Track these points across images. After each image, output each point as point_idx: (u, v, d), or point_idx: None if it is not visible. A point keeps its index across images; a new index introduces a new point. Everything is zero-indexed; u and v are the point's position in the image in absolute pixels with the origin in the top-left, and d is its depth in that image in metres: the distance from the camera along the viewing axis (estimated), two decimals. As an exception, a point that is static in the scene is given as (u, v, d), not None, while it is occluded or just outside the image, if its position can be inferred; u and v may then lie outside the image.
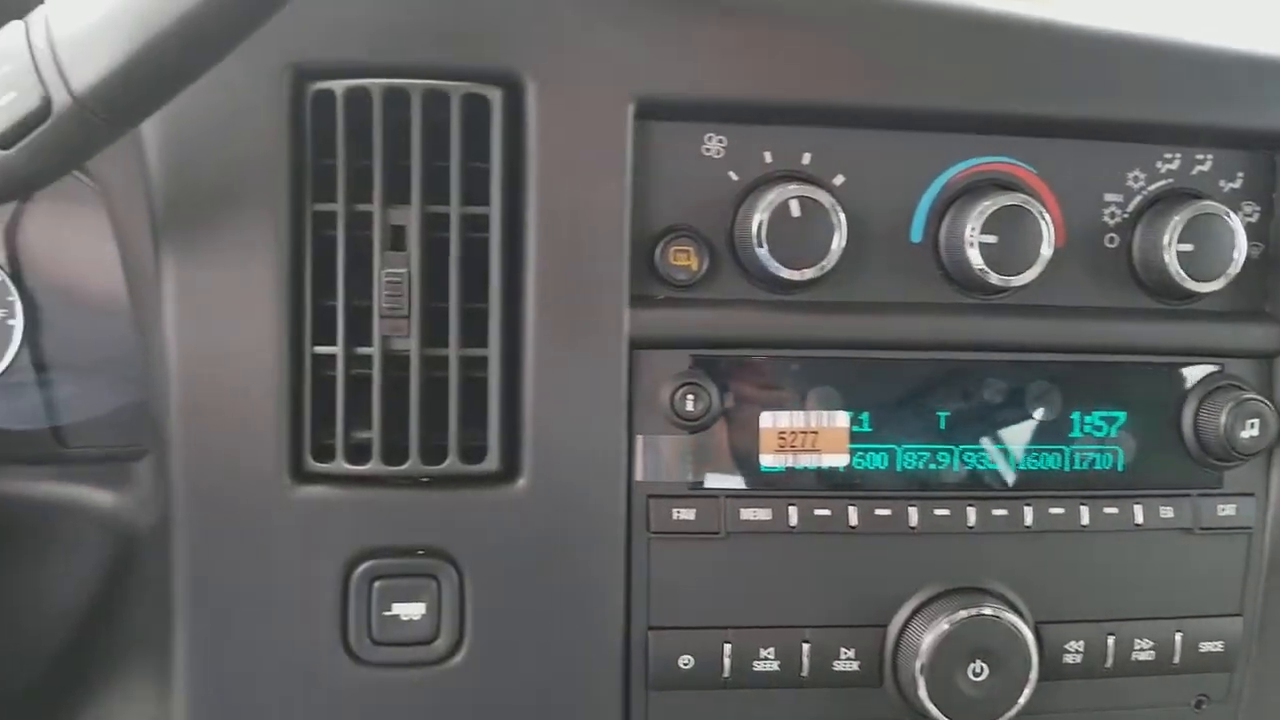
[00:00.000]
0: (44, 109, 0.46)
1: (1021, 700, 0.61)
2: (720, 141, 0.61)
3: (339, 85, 0.56)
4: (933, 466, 0.63)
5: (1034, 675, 0.61)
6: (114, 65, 0.45)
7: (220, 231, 0.57)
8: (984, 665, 0.60)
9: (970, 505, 0.62)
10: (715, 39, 0.59)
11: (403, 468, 0.57)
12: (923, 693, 0.60)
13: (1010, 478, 0.63)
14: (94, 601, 0.65)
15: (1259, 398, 0.63)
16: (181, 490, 0.57)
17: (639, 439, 0.60)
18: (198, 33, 0.45)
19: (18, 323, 0.72)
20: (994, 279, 0.60)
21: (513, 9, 0.57)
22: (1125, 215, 0.64)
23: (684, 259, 0.60)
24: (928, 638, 0.60)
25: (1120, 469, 0.64)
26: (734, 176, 0.61)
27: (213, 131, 0.56)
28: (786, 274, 0.59)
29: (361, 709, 0.59)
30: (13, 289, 0.71)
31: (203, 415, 0.57)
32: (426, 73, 0.57)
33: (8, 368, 0.72)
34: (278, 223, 0.57)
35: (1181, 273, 0.61)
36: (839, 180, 0.61)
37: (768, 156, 0.61)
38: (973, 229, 0.60)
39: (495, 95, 0.57)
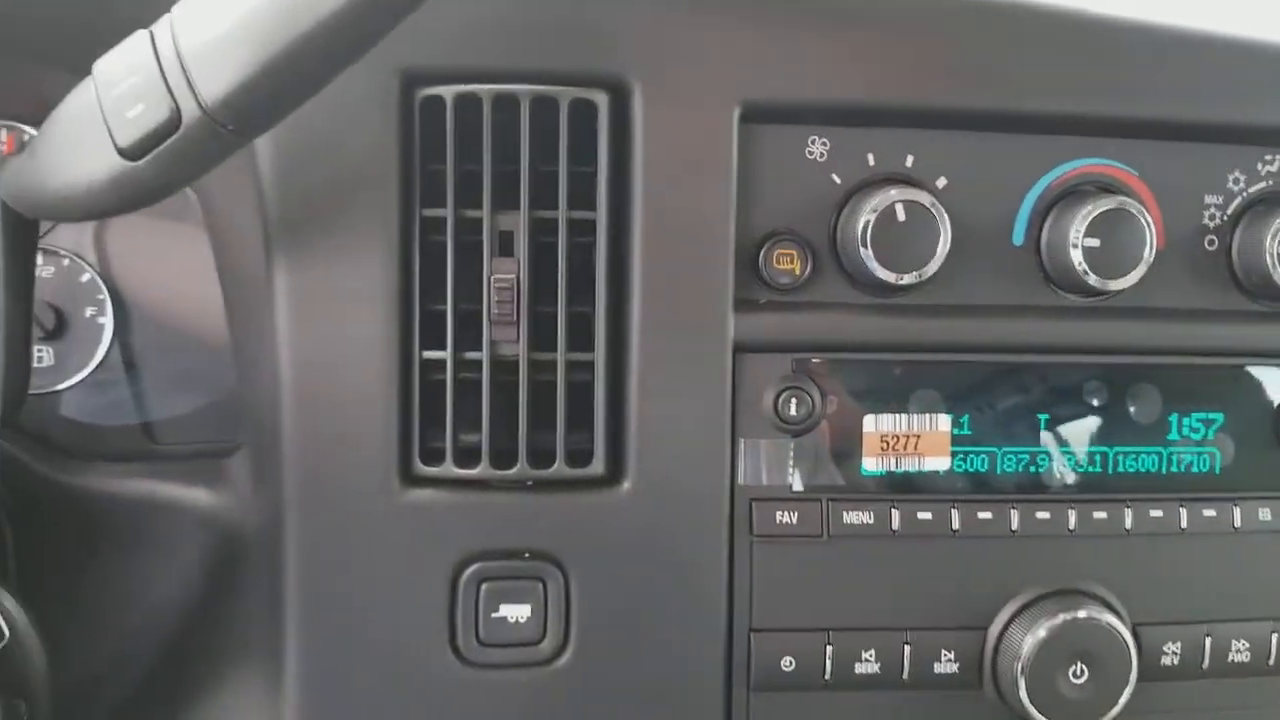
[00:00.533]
0: (174, 121, 0.46)
1: (1121, 702, 0.61)
2: (824, 144, 0.61)
3: (448, 91, 0.56)
4: (1032, 469, 0.63)
5: (1133, 677, 0.61)
6: (244, 77, 0.45)
7: (331, 237, 0.57)
8: (1084, 667, 0.61)
9: (1071, 508, 0.62)
10: (819, 42, 0.59)
11: (511, 472, 0.58)
12: (1023, 694, 0.60)
13: (1108, 480, 0.63)
14: (199, 602, 0.66)
15: (1360, 400, 0.63)
16: (293, 494, 0.58)
17: (741, 442, 0.60)
18: (326, 43, 0.45)
19: (108, 321, 0.73)
20: (1097, 282, 0.60)
21: (620, 14, 0.57)
22: (1225, 217, 0.64)
23: (787, 262, 0.60)
24: (1028, 640, 0.61)
25: (1217, 471, 0.64)
26: (837, 179, 0.61)
27: (323, 138, 0.56)
28: (891, 278, 0.58)
29: (468, 710, 0.59)
30: (103, 288, 0.72)
31: (315, 420, 0.57)
32: (535, 78, 0.57)
33: (99, 365, 0.72)
34: (387, 228, 0.57)
35: (1284, 274, 0.61)
36: (941, 183, 0.61)
37: (871, 159, 0.61)
38: (1077, 232, 0.59)
39: (602, 100, 0.57)
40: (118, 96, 0.46)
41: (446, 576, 0.58)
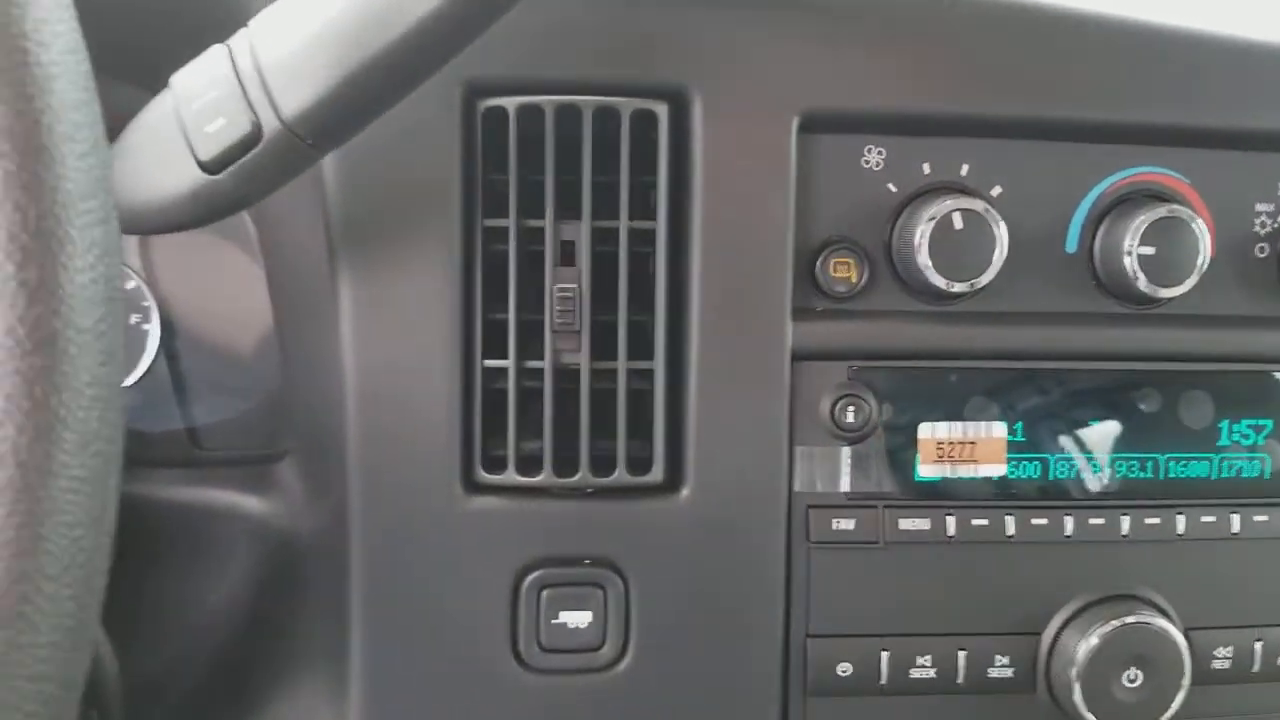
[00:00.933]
0: (254, 135, 0.46)
1: (1175, 706, 0.61)
2: (879, 154, 0.61)
3: (511, 102, 0.57)
4: (1085, 475, 0.63)
5: (1187, 681, 0.61)
6: (323, 91, 0.46)
7: (395, 247, 0.57)
8: (1138, 672, 0.61)
9: (1124, 514, 0.63)
10: (877, 52, 0.59)
11: (573, 479, 0.58)
12: (1078, 699, 0.61)
13: (1160, 486, 0.64)
14: (256, 608, 0.66)
15: None
16: (357, 502, 0.58)
17: (798, 449, 0.61)
18: (405, 57, 0.46)
19: (153, 328, 0.73)
20: (1150, 290, 0.60)
21: (680, 26, 0.58)
22: (1276, 224, 0.64)
23: (844, 271, 0.61)
24: (1083, 645, 0.61)
25: (1268, 476, 0.65)
26: (892, 188, 0.61)
27: (388, 150, 0.56)
28: (948, 286, 0.59)
29: (529, 715, 0.60)
30: (149, 295, 0.72)
31: (379, 429, 0.58)
32: (596, 89, 0.57)
33: (145, 373, 0.73)
34: (450, 238, 0.57)
35: (1334, 282, 0.62)
36: (996, 191, 0.62)
37: (926, 168, 0.61)
38: (1131, 240, 0.60)
39: (662, 111, 0.58)
40: (197, 110, 0.46)
41: (508, 583, 0.59)
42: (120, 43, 0.57)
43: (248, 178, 0.47)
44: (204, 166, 0.47)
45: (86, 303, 0.30)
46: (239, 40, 0.47)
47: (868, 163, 0.61)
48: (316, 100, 0.46)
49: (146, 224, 0.50)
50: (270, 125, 0.46)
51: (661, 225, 0.58)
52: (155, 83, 0.50)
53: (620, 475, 0.58)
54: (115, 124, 0.51)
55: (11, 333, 0.29)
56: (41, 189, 0.29)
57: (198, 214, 0.48)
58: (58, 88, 0.30)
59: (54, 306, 0.29)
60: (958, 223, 0.58)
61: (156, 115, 0.48)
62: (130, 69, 0.54)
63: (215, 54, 0.47)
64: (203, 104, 0.46)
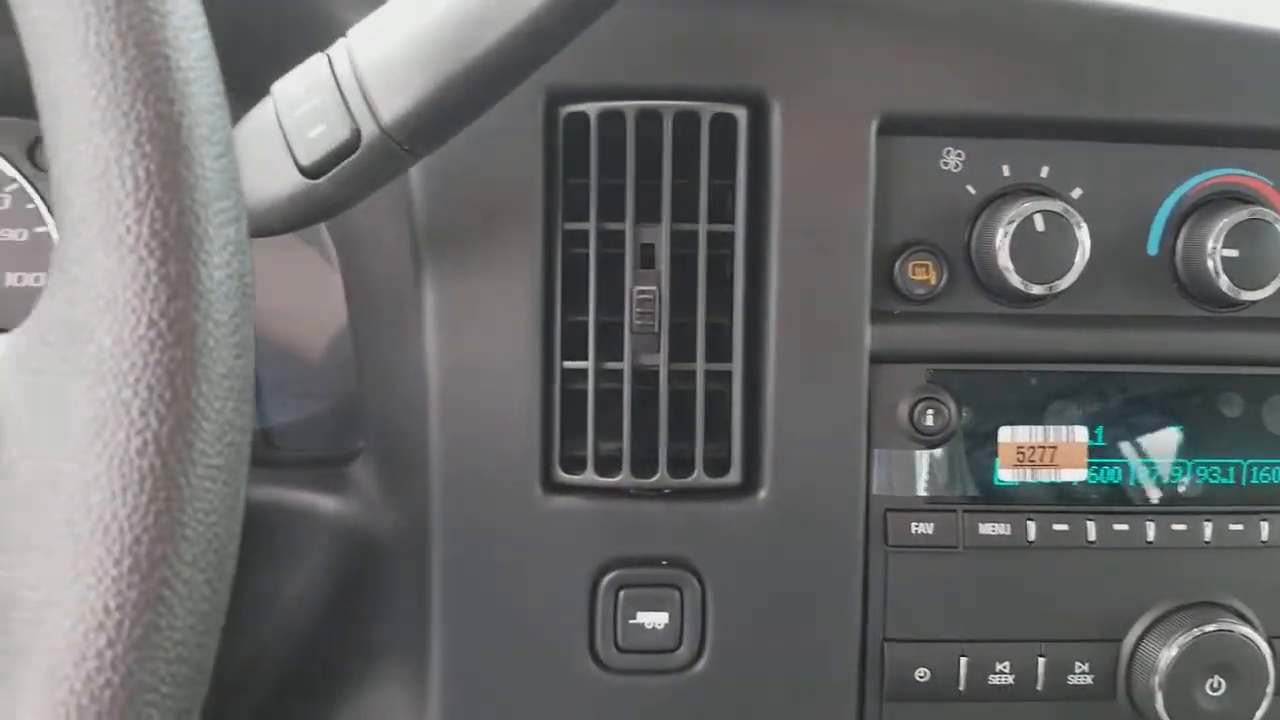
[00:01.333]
0: (353, 141, 0.47)
1: (1258, 715, 0.61)
2: (958, 155, 0.61)
3: (592, 108, 0.57)
4: (1167, 481, 0.63)
5: (1270, 689, 0.61)
6: (422, 97, 0.47)
7: (478, 251, 0.58)
8: (1221, 680, 0.60)
9: (1206, 520, 0.62)
10: (956, 54, 0.59)
11: (652, 480, 0.58)
12: (1160, 707, 0.60)
13: (1243, 492, 0.63)
14: (334, 606, 0.67)
15: None
16: (439, 502, 0.59)
17: (876, 453, 0.61)
18: (500, 63, 0.47)
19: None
20: (1233, 293, 0.60)
21: (759, 30, 0.58)
22: (1359, 227, 0.63)
23: (922, 273, 0.61)
24: (1165, 653, 0.60)
25: (1351, 482, 0.64)
26: (972, 190, 0.61)
27: (471, 154, 0.57)
28: (1029, 288, 0.59)
29: (606, 715, 0.60)
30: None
31: (461, 429, 0.59)
32: (677, 93, 0.58)
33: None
34: (531, 241, 0.58)
35: None
36: (1077, 193, 0.61)
37: (1006, 170, 0.61)
38: (1213, 243, 0.59)
39: (741, 114, 0.58)
40: (298, 117, 0.48)
41: (586, 583, 0.59)
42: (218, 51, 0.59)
43: (346, 182, 0.48)
44: (304, 171, 0.48)
45: (223, 298, 0.31)
46: (338, 49, 0.48)
47: (946, 164, 0.61)
48: (414, 106, 0.47)
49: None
50: (369, 131, 0.47)
51: (740, 228, 0.59)
52: (247, 91, 0.51)
53: (698, 477, 0.59)
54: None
55: (153, 326, 0.29)
56: (181, 188, 0.30)
57: (296, 218, 0.50)
58: (194, 91, 0.31)
59: (194, 301, 0.30)
60: (1039, 225, 0.58)
61: (258, 122, 0.49)
62: (226, 77, 0.55)
63: (315, 63, 0.48)
64: (304, 111, 0.47)
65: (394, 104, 0.47)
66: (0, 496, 0.30)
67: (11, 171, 0.76)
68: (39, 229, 0.77)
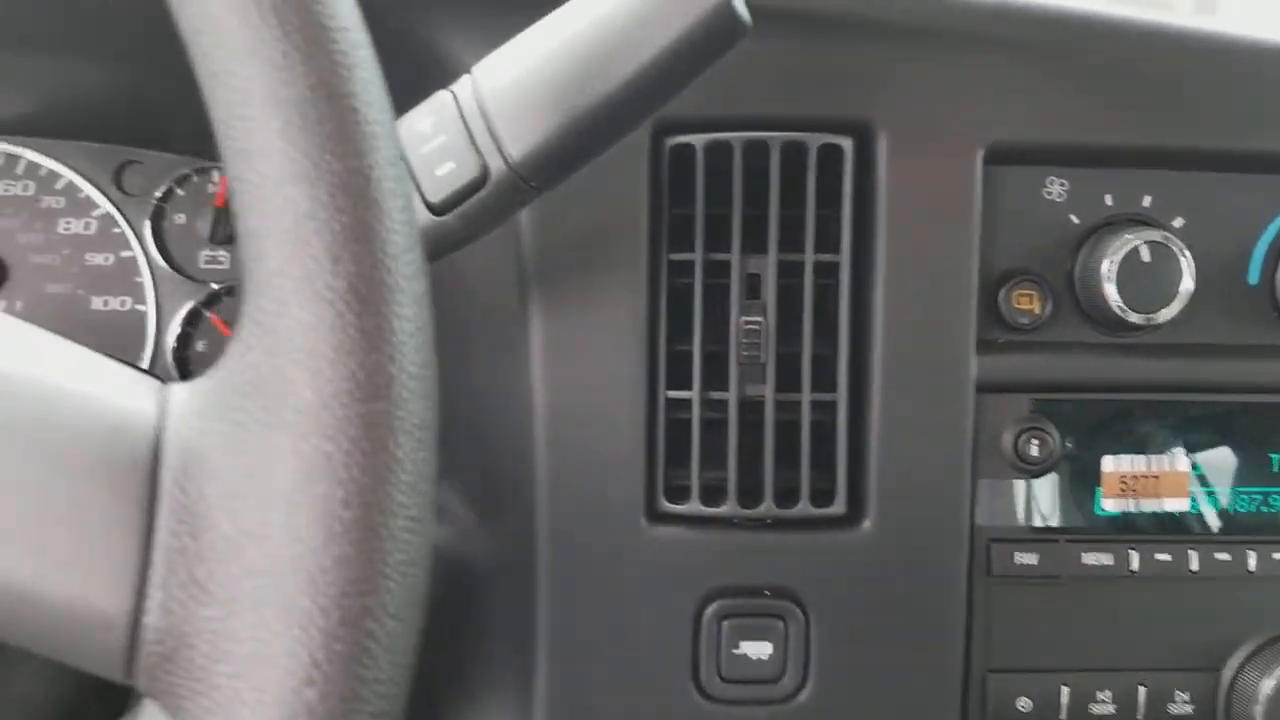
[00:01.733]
0: (481, 178, 0.47)
1: (1361, 746, 0.60)
2: (1062, 185, 0.61)
3: (699, 139, 0.58)
4: (1264, 510, 0.62)
5: (1374, 721, 0.60)
6: (549, 134, 0.47)
7: (585, 279, 0.58)
8: (1324, 711, 0.60)
9: (1308, 550, 0.62)
10: (1062, 83, 0.59)
11: (758, 510, 0.58)
12: (1262, 737, 0.60)
13: (1343, 521, 0.63)
14: (435, 631, 0.67)
15: None
16: (545, 530, 0.59)
17: (980, 482, 0.61)
18: (629, 100, 0.47)
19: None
20: (1335, 322, 0.60)
21: (867, 61, 0.58)
22: None
23: (1027, 302, 0.61)
24: (1266, 682, 0.60)
25: None
26: (1075, 220, 0.61)
27: (578, 185, 0.56)
28: (1134, 318, 0.59)
29: (710, 745, 0.60)
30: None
31: (567, 459, 0.59)
32: (783, 124, 0.58)
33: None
34: (637, 271, 0.58)
35: None
36: (1178, 223, 0.61)
37: (1108, 199, 0.61)
38: (1316, 272, 0.59)
39: (848, 145, 0.58)
40: (425, 155, 0.48)
41: (690, 613, 0.59)
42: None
43: (473, 218, 0.48)
44: (432, 208, 0.48)
45: (414, 349, 0.31)
46: (462, 86, 0.49)
47: (1050, 194, 0.61)
48: (541, 143, 0.47)
49: None
50: (497, 168, 0.48)
51: (845, 258, 0.59)
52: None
53: (804, 507, 0.59)
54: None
55: (352, 378, 0.30)
56: (374, 241, 0.30)
57: (424, 254, 0.50)
58: (381, 145, 0.32)
59: (389, 353, 0.30)
60: (1145, 255, 0.58)
61: None
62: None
63: (440, 100, 0.49)
64: (431, 148, 0.48)
65: (522, 141, 0.47)
66: (204, 548, 0.30)
67: (99, 197, 0.77)
68: (125, 254, 0.77)
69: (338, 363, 0.30)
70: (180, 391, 0.34)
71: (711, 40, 0.47)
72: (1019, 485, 0.61)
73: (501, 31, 0.49)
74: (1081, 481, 0.62)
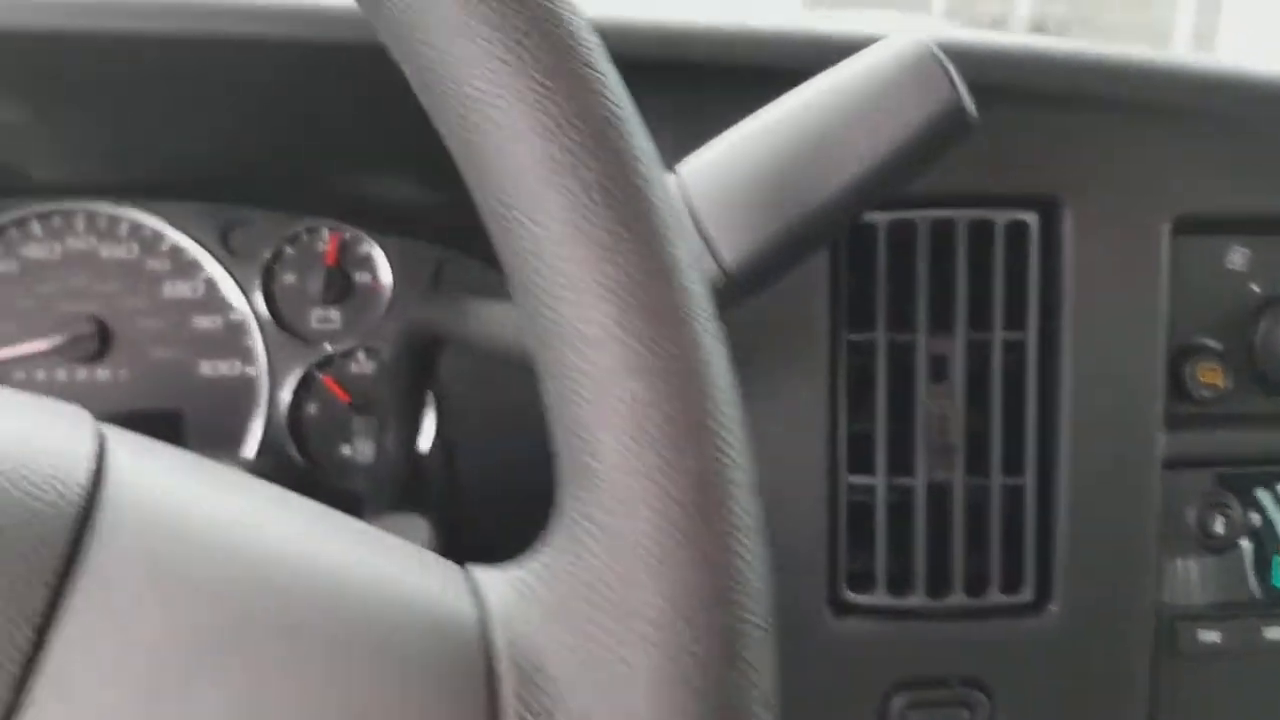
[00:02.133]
0: None
1: None
2: (1244, 254, 0.59)
3: (883, 218, 0.55)
4: None
5: None
6: (764, 240, 0.44)
7: (766, 362, 0.56)
8: None
9: None
10: (1248, 153, 0.58)
11: (948, 601, 0.57)
12: None
13: None
14: None
15: None
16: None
17: (1165, 560, 0.59)
18: (845, 204, 0.45)
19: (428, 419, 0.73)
20: None
21: (1049, 134, 0.56)
22: None
23: (1211, 376, 0.59)
24: None
25: None
26: (1256, 289, 0.59)
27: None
28: (1319, 390, 0.57)
29: (894, 835, 0.59)
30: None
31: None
32: (968, 201, 0.56)
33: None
34: (819, 352, 0.56)
35: None
36: (1362, 290, 0.60)
37: (1291, 268, 0.59)
38: None
39: (1033, 220, 0.56)
40: None
41: (876, 705, 0.58)
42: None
43: None
44: None
45: (755, 537, 0.29)
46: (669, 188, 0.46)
47: (1232, 264, 0.59)
48: (755, 249, 0.45)
49: None
50: (709, 271, 0.45)
51: (1032, 336, 0.57)
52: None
53: (994, 595, 0.57)
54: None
55: (708, 585, 0.28)
56: (707, 435, 0.29)
57: None
58: (703, 316, 0.29)
59: (738, 550, 0.28)
60: (1331, 326, 0.57)
61: None
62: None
63: None
64: None
65: (736, 248, 0.45)
66: None
67: (206, 259, 0.74)
68: (234, 316, 0.74)
69: (690, 566, 0.28)
70: (493, 581, 0.32)
71: (936, 143, 0.45)
72: (1205, 562, 0.60)
73: (696, 134, 0.47)
74: (1262, 554, 0.60)
